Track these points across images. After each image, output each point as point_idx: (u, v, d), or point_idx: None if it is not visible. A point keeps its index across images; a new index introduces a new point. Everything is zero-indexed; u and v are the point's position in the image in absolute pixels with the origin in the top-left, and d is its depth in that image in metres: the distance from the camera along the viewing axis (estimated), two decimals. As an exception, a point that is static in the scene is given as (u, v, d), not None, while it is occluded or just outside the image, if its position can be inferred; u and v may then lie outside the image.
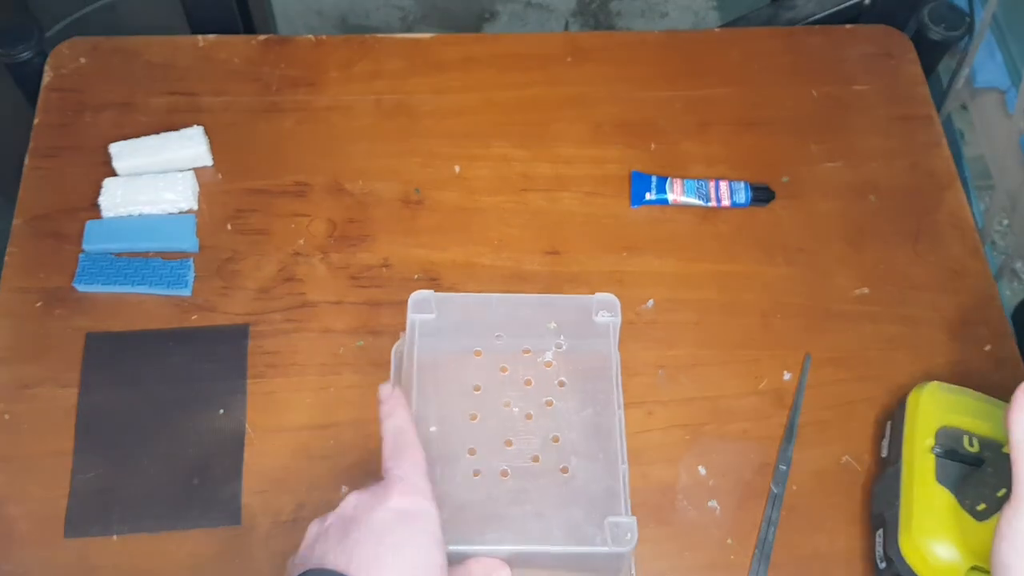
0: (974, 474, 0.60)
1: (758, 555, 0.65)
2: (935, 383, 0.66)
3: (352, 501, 0.51)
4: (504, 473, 0.58)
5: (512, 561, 0.54)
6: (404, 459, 0.52)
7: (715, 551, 0.65)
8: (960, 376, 0.68)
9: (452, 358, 0.63)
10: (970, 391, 0.66)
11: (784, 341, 0.74)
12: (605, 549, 0.55)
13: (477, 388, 0.62)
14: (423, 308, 0.63)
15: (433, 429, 0.60)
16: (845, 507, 0.67)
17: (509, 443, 0.60)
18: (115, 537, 0.65)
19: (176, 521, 0.65)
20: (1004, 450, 0.57)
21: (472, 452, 0.59)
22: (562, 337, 0.63)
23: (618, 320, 0.62)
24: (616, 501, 0.57)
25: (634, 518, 0.55)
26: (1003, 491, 0.56)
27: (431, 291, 0.63)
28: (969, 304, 0.76)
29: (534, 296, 0.65)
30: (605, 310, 0.63)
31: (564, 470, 0.58)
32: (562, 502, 0.57)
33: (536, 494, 0.58)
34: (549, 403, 0.61)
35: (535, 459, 0.59)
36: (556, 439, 0.60)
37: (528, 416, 0.60)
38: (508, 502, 0.57)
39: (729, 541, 0.66)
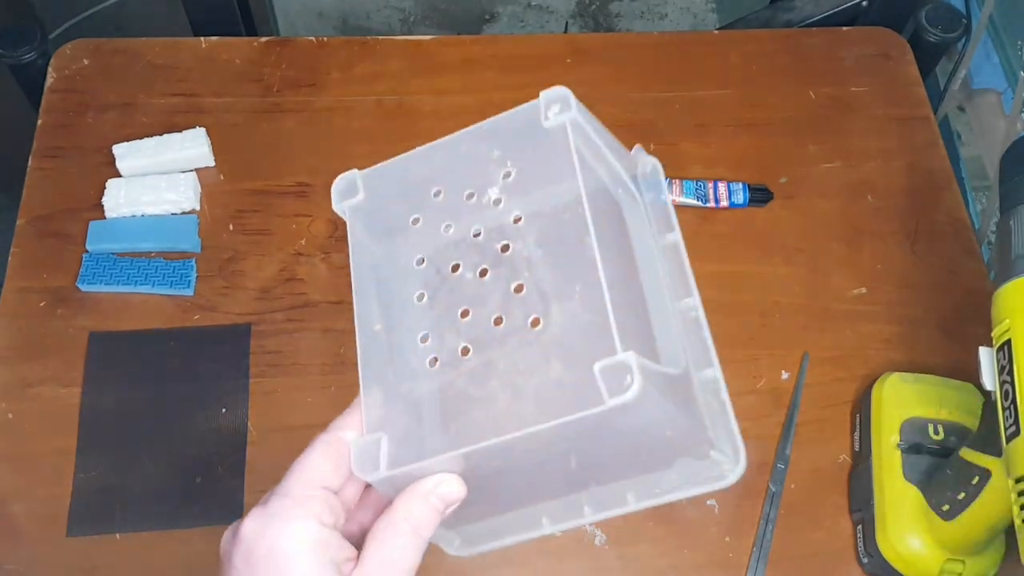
0: (937, 474, 0.61)
1: (756, 553, 0.65)
2: (896, 375, 0.67)
3: (221, 543, 0.43)
4: (464, 351, 0.46)
5: (493, 464, 0.42)
6: (288, 475, 0.43)
7: (714, 549, 0.66)
8: (957, 376, 0.68)
9: (390, 238, 0.51)
10: (930, 377, 0.67)
11: (782, 340, 0.74)
12: (601, 408, 0.38)
13: (420, 261, 0.49)
14: (349, 193, 0.51)
15: (377, 327, 0.48)
16: (842, 505, 0.67)
17: (466, 313, 0.46)
18: (117, 535, 0.65)
19: (178, 520, 0.66)
20: (962, 453, 0.58)
21: (424, 339, 0.47)
22: (509, 163, 0.48)
23: (573, 114, 0.45)
24: (605, 339, 0.39)
25: (631, 353, 0.38)
26: (962, 495, 0.57)
27: (355, 170, 0.52)
28: (966, 304, 0.76)
29: (469, 129, 0.49)
30: (555, 107, 0.46)
31: (535, 322, 0.44)
32: (537, 363, 0.44)
33: (503, 363, 0.44)
34: (504, 248, 0.47)
35: (497, 321, 0.45)
36: (519, 288, 0.45)
37: (482, 272, 0.47)
38: (471, 384, 0.45)
39: (727, 539, 0.66)
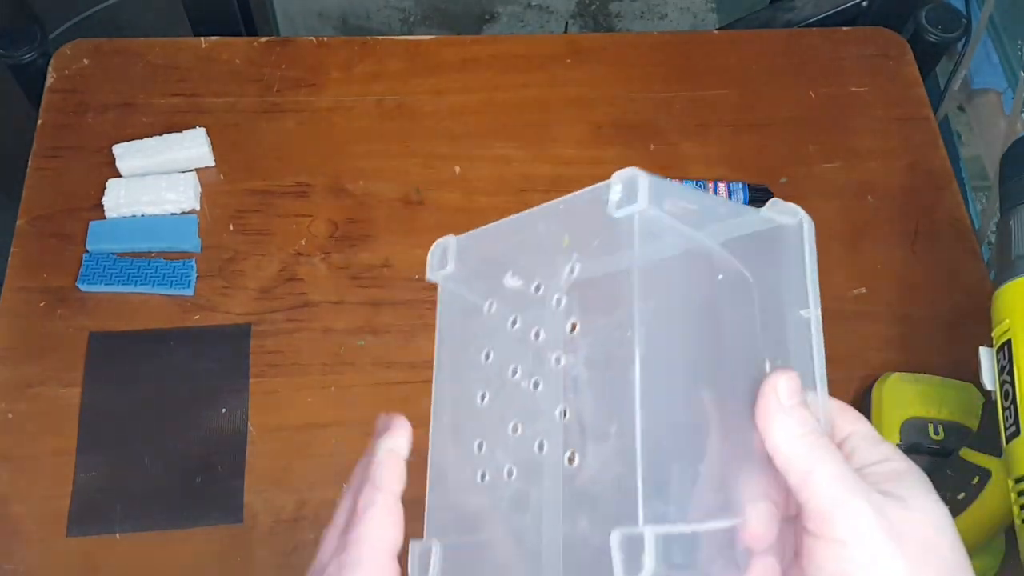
0: (937, 474, 0.61)
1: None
2: (896, 375, 0.67)
3: None
4: (509, 472, 0.42)
5: None
6: (353, 543, 0.39)
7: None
8: (957, 376, 0.68)
9: (467, 320, 0.46)
10: (930, 377, 0.67)
11: (782, 341, 0.74)
12: None
13: (487, 356, 0.44)
14: (442, 262, 0.46)
15: (445, 420, 0.45)
16: (843, 505, 0.67)
17: (516, 428, 0.42)
18: (118, 536, 0.65)
19: (178, 520, 0.66)
20: (962, 453, 0.58)
21: (480, 447, 0.43)
22: (575, 255, 0.42)
23: (643, 206, 0.37)
24: (628, 501, 0.34)
25: (650, 529, 0.33)
26: (962, 495, 0.57)
27: (451, 236, 0.45)
28: (966, 304, 0.76)
29: (547, 205, 0.42)
30: (622, 195, 0.38)
31: (571, 458, 0.39)
32: (566, 509, 0.39)
33: (535, 498, 0.40)
34: (558, 360, 0.41)
35: (540, 446, 0.41)
36: (564, 412, 0.40)
37: (536, 384, 0.42)
38: (509, 513, 0.41)
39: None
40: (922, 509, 0.34)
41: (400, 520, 0.40)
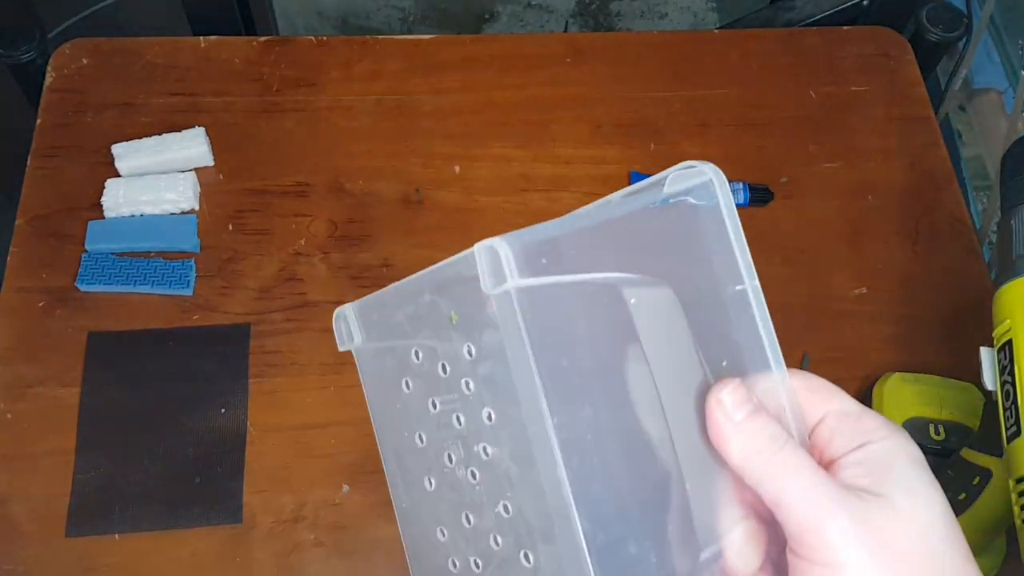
0: (938, 474, 0.61)
1: (756, 553, 0.65)
2: (896, 375, 0.68)
3: None
4: (476, 564, 0.38)
5: None
6: None
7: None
8: (958, 376, 0.68)
9: (392, 395, 0.41)
10: (931, 377, 0.67)
11: (782, 340, 0.73)
12: None
13: (420, 438, 0.40)
14: (349, 335, 0.41)
15: (403, 502, 0.41)
16: (843, 505, 0.67)
17: (468, 519, 0.38)
18: (117, 536, 0.65)
19: (177, 520, 0.66)
20: (963, 453, 0.58)
21: (443, 533, 0.39)
22: (467, 334, 0.36)
23: (513, 283, 0.32)
24: None
25: None
26: (963, 495, 0.57)
27: (350, 305, 0.40)
28: (967, 303, 0.76)
29: (422, 274, 0.37)
30: (489, 272, 0.33)
31: (526, 557, 0.35)
32: None
33: None
34: (486, 450, 0.36)
35: (495, 541, 0.37)
36: (507, 508, 0.36)
37: (473, 475, 0.37)
38: None
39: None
40: (910, 508, 0.30)
41: None
